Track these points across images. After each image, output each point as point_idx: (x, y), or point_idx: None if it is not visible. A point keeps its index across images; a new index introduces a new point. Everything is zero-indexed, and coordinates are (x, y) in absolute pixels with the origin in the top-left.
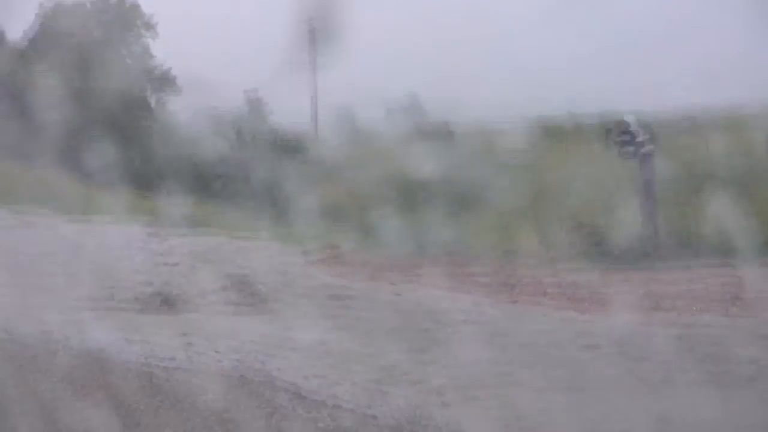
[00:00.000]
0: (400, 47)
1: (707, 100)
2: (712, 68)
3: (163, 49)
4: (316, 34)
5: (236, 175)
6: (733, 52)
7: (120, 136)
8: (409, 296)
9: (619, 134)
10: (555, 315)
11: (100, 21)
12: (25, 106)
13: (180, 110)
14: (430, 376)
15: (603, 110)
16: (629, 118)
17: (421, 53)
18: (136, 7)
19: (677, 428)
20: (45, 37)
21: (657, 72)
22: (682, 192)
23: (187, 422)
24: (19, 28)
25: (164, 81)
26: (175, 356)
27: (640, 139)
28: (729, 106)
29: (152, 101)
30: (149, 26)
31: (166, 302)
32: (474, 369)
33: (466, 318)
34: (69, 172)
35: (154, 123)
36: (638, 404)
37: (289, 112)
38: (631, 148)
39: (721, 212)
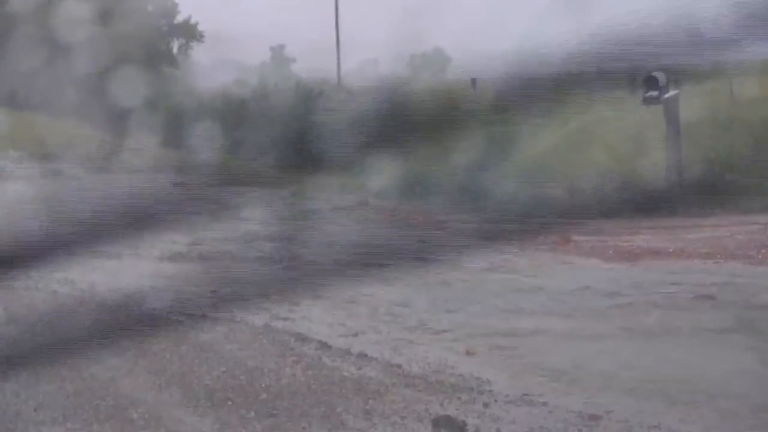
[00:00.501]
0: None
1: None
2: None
3: (188, 1)
4: None
5: (260, 126)
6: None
7: (143, 85)
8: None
9: (647, 89)
10: (579, 263)
11: None
12: (47, 56)
13: (203, 60)
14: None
15: (632, 64)
16: (657, 74)
17: (447, 7)
18: None
19: None
20: None
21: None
22: (708, 137)
23: None
24: None
25: (188, 32)
26: None
27: (663, 83)
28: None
29: (175, 51)
30: None
31: None
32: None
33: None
34: (91, 121)
35: (177, 72)
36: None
37: (313, 66)
38: (655, 93)
39: (747, 158)
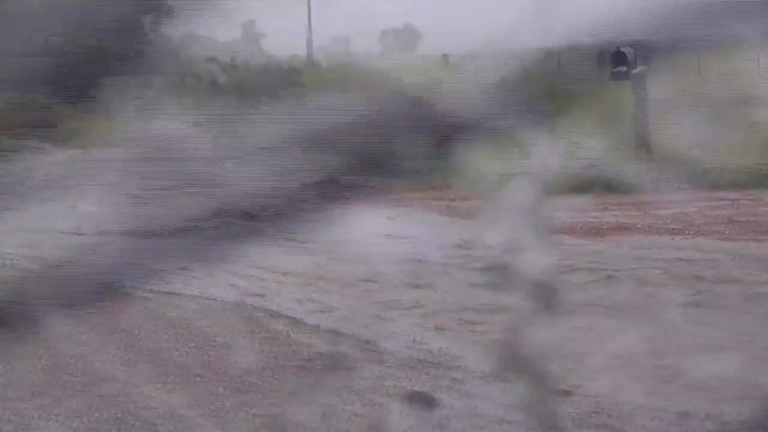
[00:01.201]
0: None
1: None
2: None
3: None
4: None
5: (230, 101)
6: None
7: (111, 59)
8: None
9: (615, 64)
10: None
11: None
12: (12, 31)
13: (174, 36)
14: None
15: (600, 40)
16: (625, 49)
17: None
18: None
19: None
20: None
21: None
22: (675, 114)
23: None
24: None
25: (157, 7)
26: None
27: (631, 59)
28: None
29: (145, 25)
30: None
31: None
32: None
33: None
34: (58, 98)
35: (147, 47)
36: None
37: (284, 42)
38: (623, 68)
39: (714, 134)
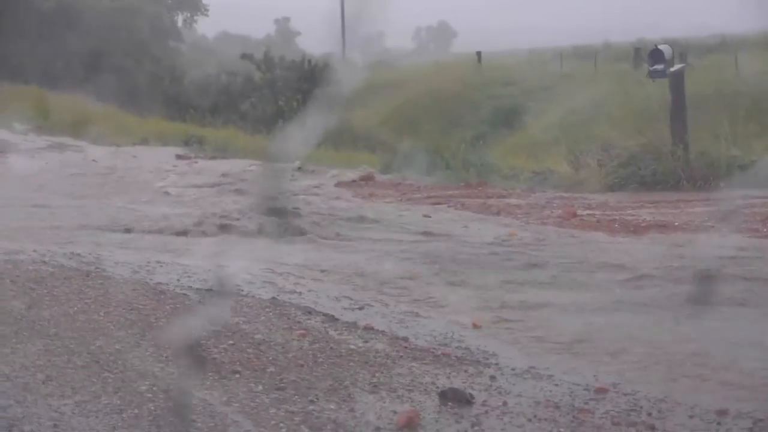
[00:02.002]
0: None
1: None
2: None
3: None
4: None
5: (264, 100)
6: None
7: (145, 57)
8: (441, 216)
9: (653, 62)
10: (584, 237)
11: None
12: (50, 29)
13: (208, 33)
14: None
15: (638, 37)
16: (663, 47)
17: None
18: None
19: None
20: None
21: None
22: (713, 110)
23: None
24: None
25: (192, 2)
26: None
27: (669, 57)
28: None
29: (179, 23)
30: None
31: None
32: (498, 293)
33: (492, 242)
34: (96, 96)
35: (181, 45)
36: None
37: (318, 40)
38: (660, 66)
39: (750, 133)
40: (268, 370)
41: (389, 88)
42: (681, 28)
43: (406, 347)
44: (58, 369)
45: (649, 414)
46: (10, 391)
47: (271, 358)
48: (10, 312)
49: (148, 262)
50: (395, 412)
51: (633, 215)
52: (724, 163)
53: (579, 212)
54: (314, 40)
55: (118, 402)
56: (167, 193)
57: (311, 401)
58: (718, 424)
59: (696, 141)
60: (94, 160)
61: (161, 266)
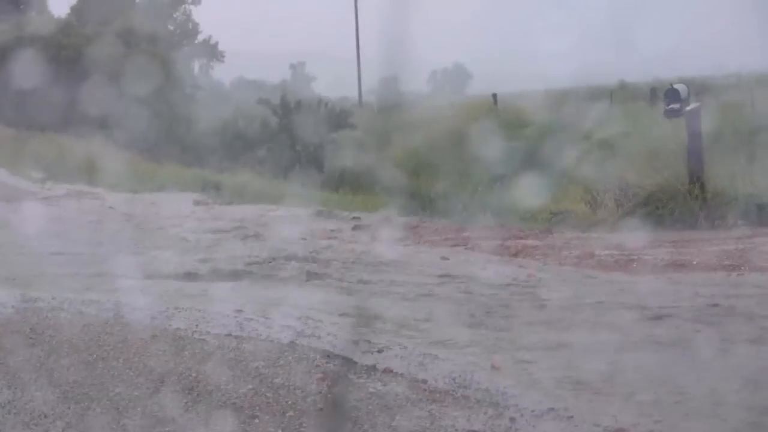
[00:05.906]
0: (445, 18)
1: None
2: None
3: (208, 19)
4: (359, 4)
5: (282, 144)
6: None
7: (162, 103)
8: (458, 259)
9: (669, 102)
10: (603, 277)
11: None
12: (67, 75)
13: (224, 79)
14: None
15: (653, 77)
16: (679, 86)
17: (467, 25)
18: None
19: None
20: (88, 5)
21: (701, 36)
22: (730, 149)
23: None
24: None
25: (208, 49)
26: None
27: (684, 96)
28: None
29: (195, 69)
30: None
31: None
32: (517, 334)
33: (510, 283)
34: (113, 143)
35: (198, 91)
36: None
37: (334, 83)
38: (677, 106)
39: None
40: (287, 414)
41: (405, 131)
42: (696, 67)
43: (425, 390)
44: (77, 416)
45: None
46: None
47: (290, 402)
48: (29, 359)
49: (167, 308)
50: None
51: (651, 255)
52: (741, 201)
53: (597, 252)
54: (330, 84)
55: None
56: (185, 239)
57: None
58: None
59: (713, 179)
60: (111, 207)
61: (179, 312)
